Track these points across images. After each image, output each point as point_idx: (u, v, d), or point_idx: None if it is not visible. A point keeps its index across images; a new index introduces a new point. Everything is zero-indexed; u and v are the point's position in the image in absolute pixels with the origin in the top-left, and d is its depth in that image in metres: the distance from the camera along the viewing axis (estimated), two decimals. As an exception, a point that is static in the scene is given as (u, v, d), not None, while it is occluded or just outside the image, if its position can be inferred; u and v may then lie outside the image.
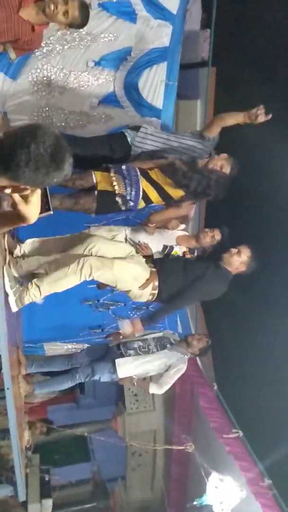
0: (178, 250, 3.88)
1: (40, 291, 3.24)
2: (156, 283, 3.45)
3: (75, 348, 4.87)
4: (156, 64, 4.31)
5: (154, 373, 4.33)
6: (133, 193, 3.62)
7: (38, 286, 3.23)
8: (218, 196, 3.78)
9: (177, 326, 5.33)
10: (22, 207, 1.55)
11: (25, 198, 1.53)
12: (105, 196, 3.65)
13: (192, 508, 4.41)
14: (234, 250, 3.59)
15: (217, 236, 3.77)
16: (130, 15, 4.13)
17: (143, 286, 3.41)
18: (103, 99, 4.38)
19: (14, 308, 3.19)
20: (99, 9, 4.05)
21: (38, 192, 1.55)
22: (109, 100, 4.39)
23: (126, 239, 3.83)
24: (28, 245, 3.64)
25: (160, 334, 4.49)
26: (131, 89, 4.35)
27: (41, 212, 1.65)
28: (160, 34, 4.23)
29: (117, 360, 4.13)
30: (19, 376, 3.98)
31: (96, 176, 3.66)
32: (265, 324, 4.81)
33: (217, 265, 3.62)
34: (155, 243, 3.82)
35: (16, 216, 1.60)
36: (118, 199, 3.62)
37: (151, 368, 4.25)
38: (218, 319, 5.59)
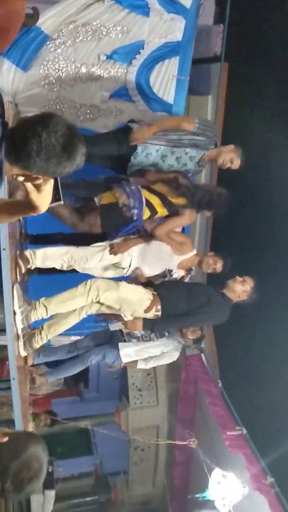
0: (177, 275, 3.98)
1: (47, 311, 3.40)
2: (159, 306, 3.54)
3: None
4: (168, 58, 4.28)
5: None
6: (136, 202, 3.67)
7: (45, 306, 3.39)
8: (219, 212, 3.89)
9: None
10: (34, 195, 1.54)
11: (38, 187, 1.52)
12: (109, 208, 3.71)
13: (194, 501, 4.42)
14: (239, 279, 3.74)
15: (219, 263, 3.86)
16: (143, 9, 4.09)
17: (148, 309, 3.49)
18: (114, 92, 4.36)
19: (20, 325, 3.33)
20: (112, 2, 4.02)
21: (51, 182, 1.54)
22: (120, 94, 4.37)
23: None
24: (40, 258, 3.69)
25: None
26: (143, 83, 4.33)
27: (51, 202, 1.64)
28: (173, 28, 4.20)
29: (120, 344, 4.31)
30: (26, 367, 4.02)
31: (100, 196, 3.76)
32: (272, 321, 4.79)
33: (220, 293, 3.77)
34: (155, 266, 3.89)
35: (27, 205, 1.60)
36: (123, 207, 3.65)
37: (150, 354, 4.43)
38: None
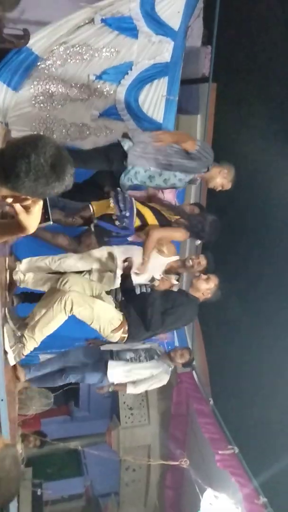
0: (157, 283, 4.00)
1: (35, 340, 3.38)
2: (127, 327, 3.53)
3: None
4: (157, 79, 4.36)
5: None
6: (127, 210, 3.72)
7: (32, 338, 3.37)
8: (211, 239, 3.97)
9: (174, 339, 5.32)
10: (23, 217, 1.54)
11: (26, 209, 1.52)
12: (101, 218, 3.75)
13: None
14: (204, 276, 3.69)
15: (203, 261, 3.85)
16: (132, 31, 4.18)
17: (116, 330, 3.49)
18: (104, 112, 4.42)
19: (12, 362, 3.32)
20: (102, 24, 4.10)
21: (40, 203, 1.54)
22: (110, 113, 4.43)
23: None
24: (25, 264, 3.86)
25: (148, 345, 4.65)
26: (132, 102, 4.39)
27: (40, 222, 1.64)
28: (162, 50, 4.28)
29: (109, 362, 4.34)
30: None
31: (94, 207, 3.81)
32: (264, 339, 4.79)
33: (185, 294, 3.73)
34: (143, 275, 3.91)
35: (15, 225, 1.60)
36: (114, 218, 3.70)
37: (139, 376, 4.43)
38: (215, 334, 5.58)
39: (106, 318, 3.45)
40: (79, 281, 3.53)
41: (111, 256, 3.99)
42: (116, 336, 3.52)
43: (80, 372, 4.41)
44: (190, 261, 3.87)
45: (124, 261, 3.74)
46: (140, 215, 3.80)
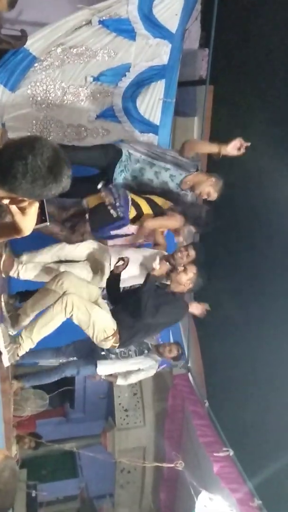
0: None
1: (32, 341, 3.33)
2: (118, 336, 3.50)
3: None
4: (155, 81, 4.37)
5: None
6: (122, 200, 3.69)
7: (29, 338, 3.31)
8: (206, 228, 3.93)
9: (169, 338, 5.31)
10: (19, 218, 1.54)
11: (23, 210, 1.52)
12: (96, 210, 3.72)
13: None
14: (180, 268, 3.59)
15: (191, 252, 3.75)
16: (130, 33, 4.18)
17: (108, 339, 3.46)
18: (101, 113, 4.42)
19: (7, 363, 3.29)
20: (99, 26, 4.10)
21: (36, 205, 1.54)
22: (107, 114, 4.43)
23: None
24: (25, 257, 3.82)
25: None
26: (129, 105, 4.40)
27: (37, 223, 1.64)
28: (159, 52, 4.29)
29: (98, 362, 4.41)
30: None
31: (88, 200, 3.78)
32: (260, 341, 4.80)
33: (169, 294, 3.65)
34: (136, 267, 3.87)
35: (11, 227, 1.59)
36: (109, 207, 3.67)
37: (128, 369, 4.54)
38: (211, 336, 5.58)
39: (101, 326, 3.41)
40: (76, 283, 3.49)
41: (105, 252, 3.95)
42: (108, 344, 3.50)
43: (74, 366, 4.49)
44: (179, 252, 3.73)
45: (120, 259, 3.68)
46: (135, 204, 3.77)
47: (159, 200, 3.88)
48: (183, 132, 5.33)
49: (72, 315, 3.31)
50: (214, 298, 4.81)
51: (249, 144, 3.70)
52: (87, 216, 3.73)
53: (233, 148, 3.69)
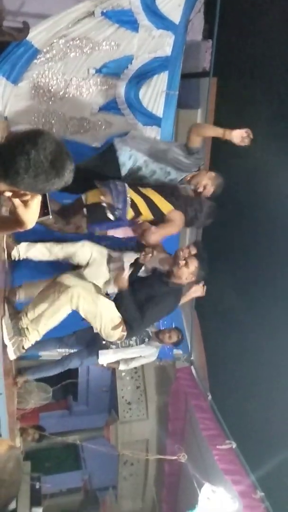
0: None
1: (39, 333, 3.33)
2: (125, 328, 3.49)
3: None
4: (157, 73, 4.34)
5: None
6: (120, 201, 3.64)
7: (35, 330, 3.31)
8: (204, 224, 3.92)
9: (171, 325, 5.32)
10: (21, 211, 1.53)
11: (25, 203, 1.51)
12: (94, 208, 3.69)
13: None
14: (182, 262, 3.57)
15: (193, 251, 3.73)
16: (132, 24, 4.15)
17: (116, 327, 3.46)
18: (104, 106, 4.40)
19: (13, 357, 3.28)
20: (102, 17, 4.07)
21: (39, 198, 1.53)
22: (110, 107, 4.41)
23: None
24: (24, 248, 3.78)
25: None
26: (132, 97, 4.37)
27: (39, 216, 1.63)
28: (162, 44, 4.26)
29: (100, 351, 4.42)
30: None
31: (86, 196, 3.74)
32: (263, 333, 4.80)
33: (167, 285, 3.64)
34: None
35: (14, 220, 1.59)
36: (106, 209, 3.64)
37: (128, 357, 4.57)
38: (214, 328, 5.59)
39: (108, 316, 3.41)
40: (76, 277, 3.47)
41: (109, 256, 3.96)
42: (116, 334, 3.49)
43: (77, 358, 4.52)
44: (181, 251, 3.70)
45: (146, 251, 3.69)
46: (134, 205, 3.71)
47: (157, 200, 3.76)
48: (186, 125, 5.27)
49: (78, 307, 3.28)
50: (218, 292, 4.81)
51: (252, 137, 3.65)
52: (84, 211, 3.71)
53: (238, 135, 3.59)
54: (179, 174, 3.85)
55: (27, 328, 3.31)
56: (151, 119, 4.45)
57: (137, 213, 3.73)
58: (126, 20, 4.12)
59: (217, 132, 3.75)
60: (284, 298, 4.69)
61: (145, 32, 4.19)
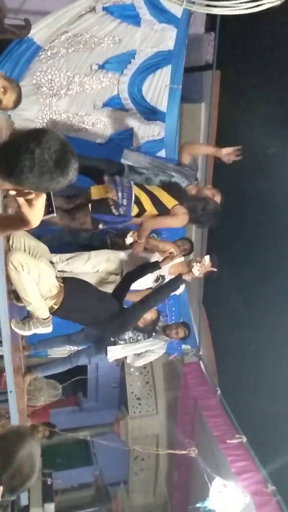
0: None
1: (34, 306, 3.33)
2: (61, 299, 3.47)
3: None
4: (160, 68, 4.31)
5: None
6: (125, 197, 3.67)
7: (31, 304, 3.32)
8: (210, 224, 3.98)
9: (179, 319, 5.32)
10: (26, 210, 1.52)
11: (30, 202, 1.51)
12: (99, 202, 3.72)
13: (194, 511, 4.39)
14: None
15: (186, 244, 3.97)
16: (134, 19, 4.12)
17: (52, 298, 3.47)
18: (107, 102, 4.39)
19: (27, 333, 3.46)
20: (103, 12, 4.04)
21: (44, 196, 1.53)
22: (113, 103, 4.39)
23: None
24: None
25: None
26: (135, 92, 4.35)
27: (44, 215, 1.62)
28: (165, 38, 4.23)
29: (108, 348, 4.44)
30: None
31: (92, 190, 3.77)
32: (272, 327, 4.78)
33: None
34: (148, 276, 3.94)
35: (18, 219, 1.58)
36: (111, 203, 3.66)
37: (137, 352, 4.59)
38: (222, 323, 5.57)
39: (47, 285, 3.32)
40: (23, 243, 3.39)
41: (117, 259, 4.03)
42: (46, 304, 3.37)
43: (85, 355, 4.54)
44: (195, 265, 3.68)
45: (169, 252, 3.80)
46: (138, 202, 3.75)
47: (163, 196, 3.81)
48: (190, 119, 5.27)
49: (24, 272, 3.16)
50: (226, 286, 4.79)
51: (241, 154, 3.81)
52: (89, 207, 3.72)
53: (226, 153, 3.80)
54: (182, 179, 3.99)
55: (29, 316, 3.45)
56: (155, 114, 4.44)
57: (142, 209, 3.75)
58: (127, 14, 4.09)
59: (208, 150, 3.88)
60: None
61: (147, 27, 4.16)
